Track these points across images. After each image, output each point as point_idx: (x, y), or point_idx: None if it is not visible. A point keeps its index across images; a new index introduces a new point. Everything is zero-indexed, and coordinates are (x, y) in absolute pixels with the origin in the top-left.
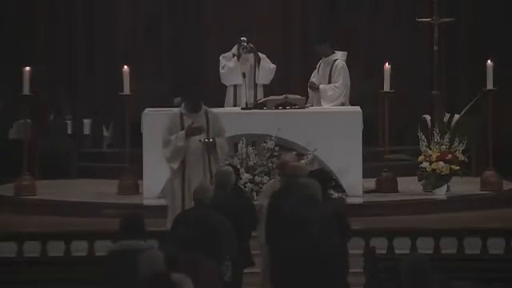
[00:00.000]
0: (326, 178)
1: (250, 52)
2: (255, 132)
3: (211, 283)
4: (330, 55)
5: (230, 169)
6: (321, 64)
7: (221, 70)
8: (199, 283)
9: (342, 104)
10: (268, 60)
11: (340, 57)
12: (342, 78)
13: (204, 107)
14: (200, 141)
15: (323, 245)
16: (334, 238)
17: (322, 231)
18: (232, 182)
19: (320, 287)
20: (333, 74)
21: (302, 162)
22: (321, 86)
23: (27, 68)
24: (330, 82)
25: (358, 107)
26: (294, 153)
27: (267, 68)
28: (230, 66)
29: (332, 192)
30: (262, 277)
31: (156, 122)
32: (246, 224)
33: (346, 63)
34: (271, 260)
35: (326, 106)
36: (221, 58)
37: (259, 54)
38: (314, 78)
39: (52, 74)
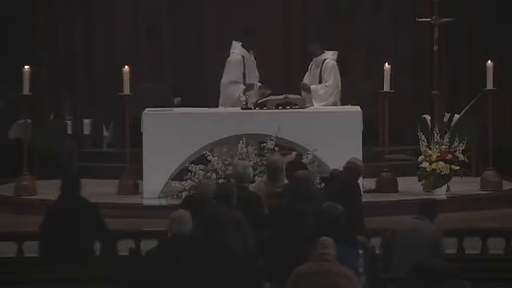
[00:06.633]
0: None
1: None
2: (255, 132)
3: None
4: (319, 55)
5: (248, 162)
6: (312, 65)
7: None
8: None
9: (334, 103)
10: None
11: (330, 56)
12: (332, 77)
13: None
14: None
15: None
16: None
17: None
18: (250, 176)
19: None
20: (323, 74)
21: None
22: (312, 87)
23: (27, 68)
24: (320, 82)
25: (358, 107)
26: (294, 153)
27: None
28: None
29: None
30: None
31: (156, 122)
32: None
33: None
34: None
35: (318, 106)
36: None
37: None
38: (306, 80)
39: (52, 73)
